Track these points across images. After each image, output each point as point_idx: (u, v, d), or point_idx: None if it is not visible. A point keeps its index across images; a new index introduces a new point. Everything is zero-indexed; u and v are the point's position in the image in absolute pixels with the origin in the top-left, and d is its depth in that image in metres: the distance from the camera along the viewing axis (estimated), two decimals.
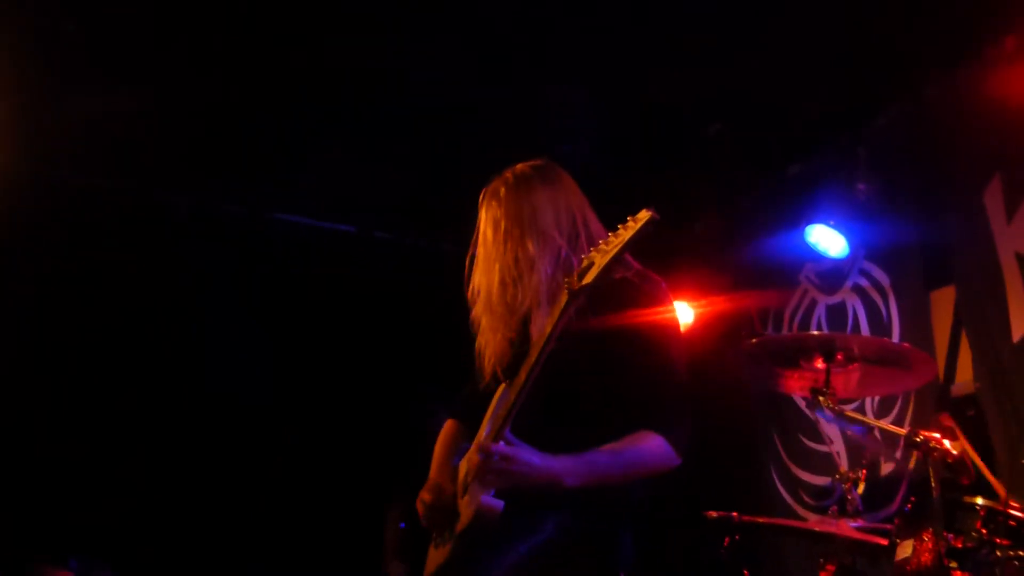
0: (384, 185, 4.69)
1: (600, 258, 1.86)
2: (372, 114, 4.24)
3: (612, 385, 2.01)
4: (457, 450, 2.27)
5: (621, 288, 2.03)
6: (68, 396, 4.44)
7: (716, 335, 4.57)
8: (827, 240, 4.15)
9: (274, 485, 4.67)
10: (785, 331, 4.56)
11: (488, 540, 1.93)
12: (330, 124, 4.29)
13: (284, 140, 4.38)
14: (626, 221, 1.86)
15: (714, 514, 2.88)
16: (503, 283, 2.13)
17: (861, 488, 2.79)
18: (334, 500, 4.63)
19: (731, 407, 4.54)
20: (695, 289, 4.77)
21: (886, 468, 3.89)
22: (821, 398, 2.64)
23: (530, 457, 1.89)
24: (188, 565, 4.40)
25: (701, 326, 4.71)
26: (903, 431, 2.31)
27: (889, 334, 4.02)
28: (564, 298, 1.91)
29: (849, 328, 4.24)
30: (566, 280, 1.92)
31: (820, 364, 2.75)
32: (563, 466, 1.91)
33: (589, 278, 1.85)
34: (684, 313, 4.73)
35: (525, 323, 2.15)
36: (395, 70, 3.96)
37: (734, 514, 2.85)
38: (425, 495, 2.16)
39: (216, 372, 4.59)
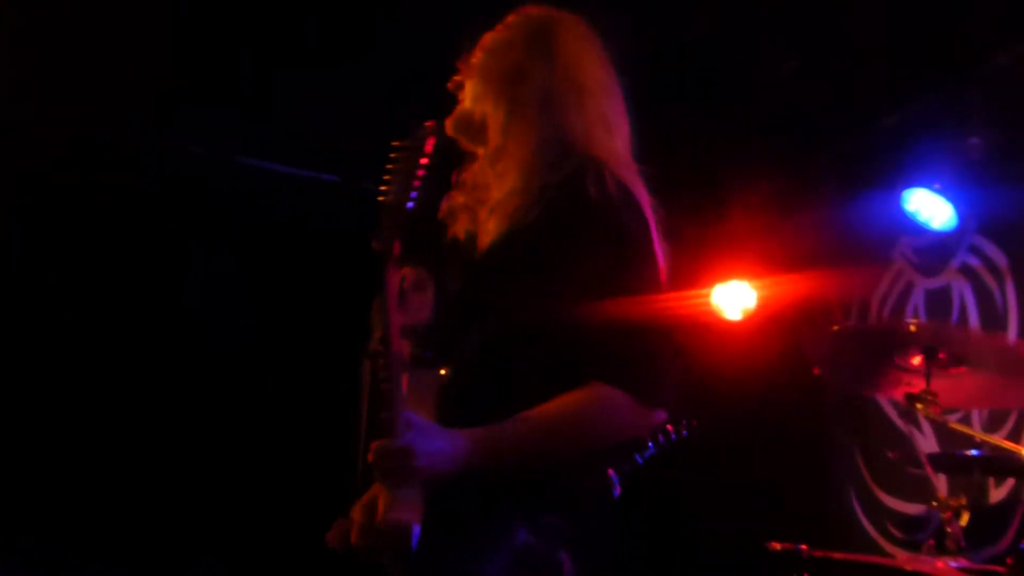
0: (372, 130, 4.71)
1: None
2: (363, 45, 4.23)
3: (552, 333, 1.87)
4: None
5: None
6: (29, 350, 4.68)
7: (784, 325, 4.52)
8: (929, 208, 4.12)
9: (251, 436, 4.93)
10: (873, 321, 4.54)
11: (419, 568, 1.80)
12: (310, 56, 4.30)
13: (255, 73, 4.40)
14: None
15: (778, 546, 2.85)
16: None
17: (965, 519, 2.76)
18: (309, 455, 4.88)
19: (802, 415, 4.52)
20: (758, 266, 4.73)
21: (995, 496, 3.88)
22: (919, 405, 2.60)
23: (431, 443, 1.77)
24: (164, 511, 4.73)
25: (765, 312, 4.68)
26: (1021, 449, 2.26)
27: (1004, 327, 3.99)
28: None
29: (955, 319, 4.22)
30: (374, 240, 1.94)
31: (918, 362, 2.70)
32: (472, 440, 1.79)
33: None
34: (744, 295, 4.69)
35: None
36: None
37: (803, 547, 2.83)
38: (355, 514, 1.95)
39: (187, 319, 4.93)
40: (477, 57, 2.17)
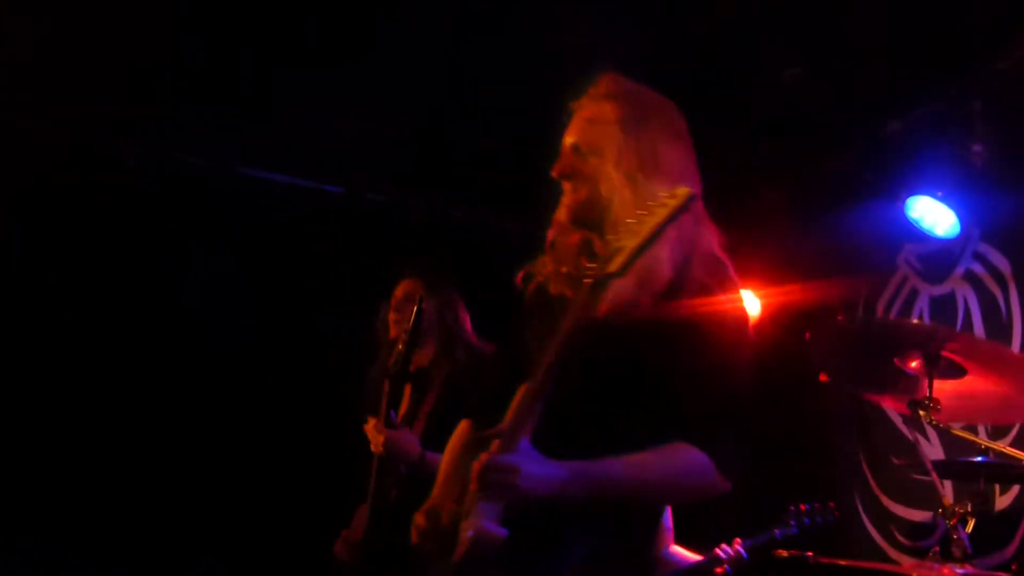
0: (379, 140, 4.73)
1: (630, 241, 1.89)
2: (366, 53, 4.25)
3: (651, 389, 2.02)
4: (470, 458, 2.26)
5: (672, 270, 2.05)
6: (29, 350, 4.70)
7: (788, 332, 4.53)
8: (933, 215, 4.13)
9: (251, 436, 4.96)
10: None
11: (488, 571, 1.95)
12: (315, 65, 4.31)
13: (259, 81, 4.41)
14: (658, 198, 1.90)
15: (784, 553, 2.87)
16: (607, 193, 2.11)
17: (970, 526, 2.77)
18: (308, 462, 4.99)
19: (807, 421, 4.53)
20: (763, 274, 4.73)
21: (1001, 503, 3.88)
22: (922, 412, 2.61)
23: (535, 467, 1.91)
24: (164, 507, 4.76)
25: (769, 320, 4.69)
26: None
27: (1008, 334, 4.00)
28: (585, 289, 1.94)
29: (959, 325, 4.23)
30: (587, 267, 1.96)
31: (917, 365, 2.71)
32: (568, 473, 1.93)
33: (615, 265, 1.90)
34: (749, 303, 4.70)
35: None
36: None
37: (809, 554, 2.84)
38: (419, 518, 2.17)
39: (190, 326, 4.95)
40: (582, 137, 2.19)
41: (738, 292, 2.15)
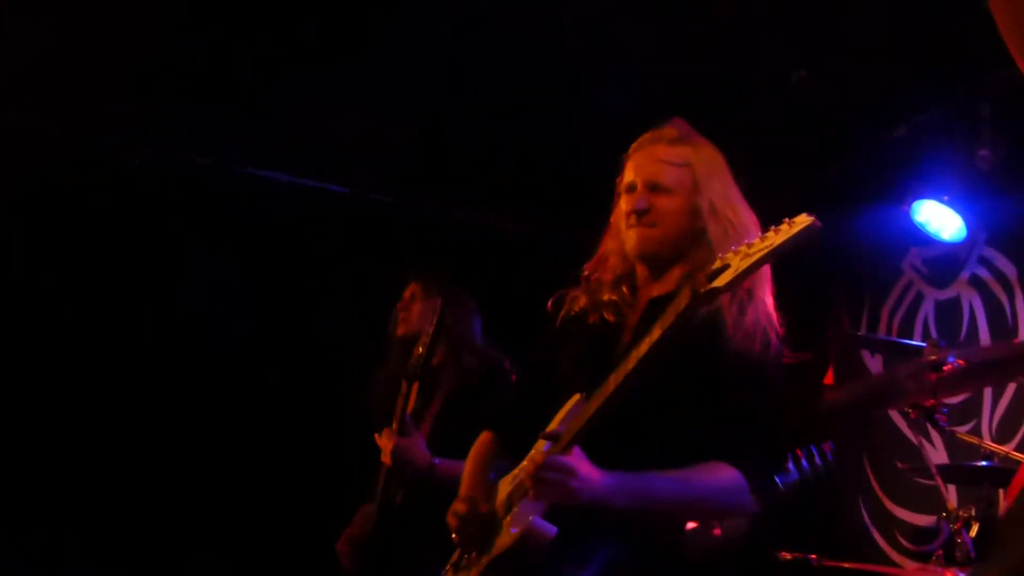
0: (381, 140, 4.73)
1: (738, 261, 1.90)
2: (371, 53, 4.25)
3: (703, 410, 2.11)
4: (493, 467, 2.39)
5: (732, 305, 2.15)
6: (30, 350, 4.72)
7: (793, 335, 4.53)
8: (939, 220, 4.13)
9: (251, 436, 4.98)
10: (883, 332, 4.53)
11: (527, 569, 2.04)
12: (319, 64, 4.31)
13: (264, 81, 4.41)
14: (780, 223, 1.90)
15: (788, 556, 2.87)
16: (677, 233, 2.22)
17: (974, 530, 2.77)
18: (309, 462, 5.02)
19: (810, 424, 4.52)
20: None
21: (1005, 507, 3.87)
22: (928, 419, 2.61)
23: (590, 471, 2.00)
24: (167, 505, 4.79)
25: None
26: None
27: (1014, 338, 3.98)
28: (686, 299, 1.94)
29: (964, 330, 4.22)
30: (690, 279, 1.98)
31: (929, 376, 2.71)
32: (616, 482, 2.02)
33: (721, 281, 1.90)
34: None
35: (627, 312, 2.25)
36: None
37: (812, 556, 2.85)
38: (459, 506, 2.27)
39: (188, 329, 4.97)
40: (661, 177, 2.27)
41: (783, 338, 2.24)
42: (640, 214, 2.25)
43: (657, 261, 2.25)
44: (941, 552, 2.75)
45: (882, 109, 4.43)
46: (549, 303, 2.43)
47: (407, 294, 3.82)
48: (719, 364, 2.11)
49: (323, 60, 4.24)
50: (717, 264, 1.93)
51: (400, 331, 3.71)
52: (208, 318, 4.91)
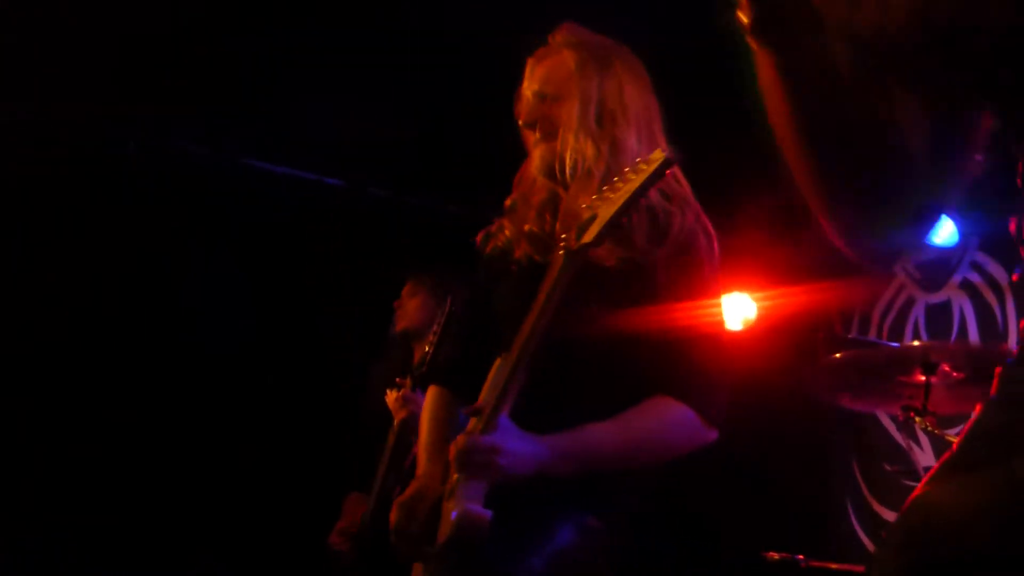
0: (382, 134, 4.72)
1: (605, 209, 1.86)
2: (371, 45, 4.24)
3: (628, 348, 1.99)
4: (454, 427, 2.20)
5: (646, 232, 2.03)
6: (30, 350, 4.71)
7: (785, 336, 4.55)
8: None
9: (251, 436, 4.97)
10: (873, 335, 4.54)
11: (476, 557, 1.91)
12: (319, 54, 4.30)
13: (260, 71, 4.40)
14: (635, 163, 1.87)
15: (775, 556, 2.88)
16: (574, 153, 2.07)
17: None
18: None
19: (800, 426, 4.54)
20: (760, 277, 4.75)
21: None
22: (918, 419, 2.63)
23: (517, 444, 1.90)
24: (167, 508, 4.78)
25: (765, 324, 4.70)
26: None
27: (1004, 343, 4.00)
28: (560, 259, 1.90)
29: (954, 334, 4.24)
30: (562, 237, 1.93)
31: (919, 378, 2.73)
32: (549, 447, 1.92)
33: (590, 236, 1.87)
34: (745, 306, 4.72)
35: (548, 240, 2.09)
36: None
37: (799, 557, 2.86)
38: (403, 500, 2.10)
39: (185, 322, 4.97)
40: (545, 85, 2.15)
41: (713, 238, 2.12)
42: (530, 127, 2.13)
43: (562, 178, 2.09)
44: None
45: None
46: (477, 237, 2.28)
47: (404, 292, 3.82)
48: (643, 289, 2.00)
49: (324, 54, 4.23)
50: (587, 214, 1.88)
51: (398, 327, 3.72)
52: (208, 317, 4.91)
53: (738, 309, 4.74)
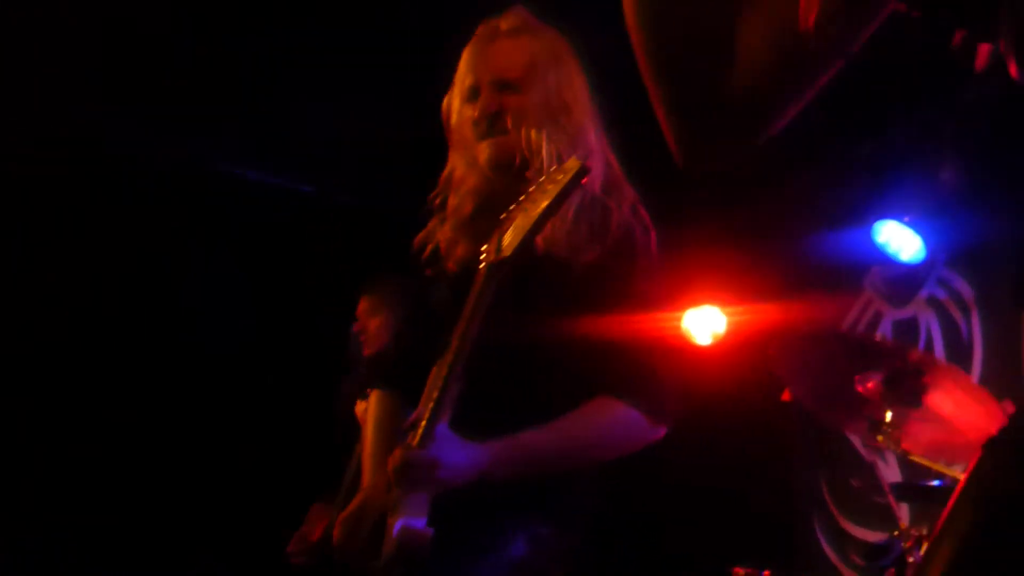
0: (351, 140, 4.71)
1: (523, 220, 1.84)
2: (344, 49, 4.23)
3: (568, 351, 1.98)
4: (398, 433, 2.13)
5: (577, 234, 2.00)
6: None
7: (753, 350, 4.55)
8: (899, 240, 4.16)
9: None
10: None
11: (421, 573, 1.87)
12: (287, 59, 4.28)
13: (229, 76, 4.38)
14: (550, 172, 1.85)
15: (741, 571, 2.87)
16: (511, 155, 2.01)
17: (924, 549, 2.79)
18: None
19: (768, 441, 4.54)
20: (730, 290, 4.75)
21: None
22: (880, 437, 2.63)
23: (455, 454, 1.87)
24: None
25: (735, 338, 4.71)
26: None
27: (969, 358, 4.02)
28: (481, 272, 1.88)
29: (920, 349, 4.25)
30: (483, 249, 1.90)
31: (875, 385, 2.72)
32: (489, 455, 1.89)
33: (509, 249, 1.85)
34: (715, 320, 4.72)
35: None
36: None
37: (765, 573, 2.85)
38: (346, 516, 2.04)
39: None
40: (506, 73, 2.07)
41: (651, 230, 2.09)
42: (492, 119, 2.04)
43: (516, 170, 2.02)
44: (893, 570, 2.77)
45: (847, 128, 4.46)
46: (415, 240, 2.20)
47: (361, 309, 3.75)
48: (581, 290, 1.97)
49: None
50: (507, 224, 1.86)
51: (367, 352, 3.64)
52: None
53: (708, 322, 4.75)
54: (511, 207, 1.89)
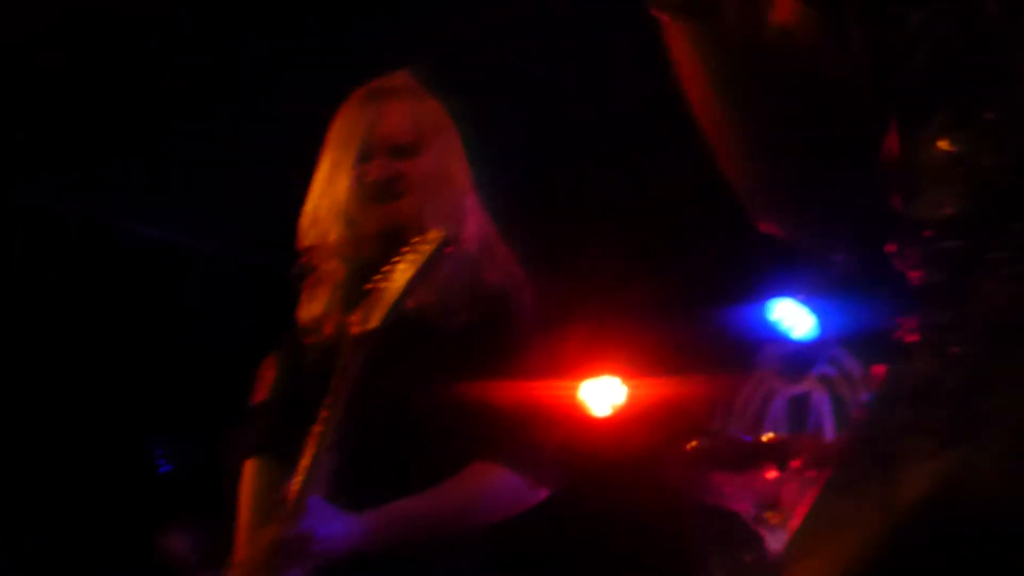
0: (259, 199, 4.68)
1: (389, 290, 1.85)
2: (256, 107, 4.21)
3: (444, 416, 1.97)
4: (271, 505, 2.07)
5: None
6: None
7: (650, 424, 4.59)
8: (793, 318, 4.26)
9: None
10: (735, 425, 4.62)
11: None
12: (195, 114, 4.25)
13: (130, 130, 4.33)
14: (414, 244, 1.86)
15: None
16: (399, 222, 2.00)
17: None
18: None
19: (662, 514, 4.56)
20: (629, 364, 4.80)
21: None
22: (768, 514, 2.66)
23: (328, 527, 1.84)
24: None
25: (633, 410, 4.74)
26: None
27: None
28: (349, 344, 1.87)
29: (812, 426, 4.33)
30: (350, 320, 1.89)
31: (772, 474, 2.77)
32: (367, 525, 1.88)
33: (376, 320, 1.84)
34: (614, 391, 4.76)
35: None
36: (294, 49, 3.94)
37: None
38: None
39: None
40: (404, 136, 2.05)
41: (527, 287, 2.09)
42: (385, 184, 2.02)
43: (400, 238, 1.98)
44: None
45: (742, 206, 4.56)
46: (294, 307, 2.17)
47: (263, 366, 3.70)
48: (455, 355, 1.97)
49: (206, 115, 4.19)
50: (375, 295, 1.86)
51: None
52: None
53: (606, 393, 4.78)
54: (378, 276, 1.89)
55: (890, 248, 0.92)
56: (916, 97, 0.91)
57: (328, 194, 2.06)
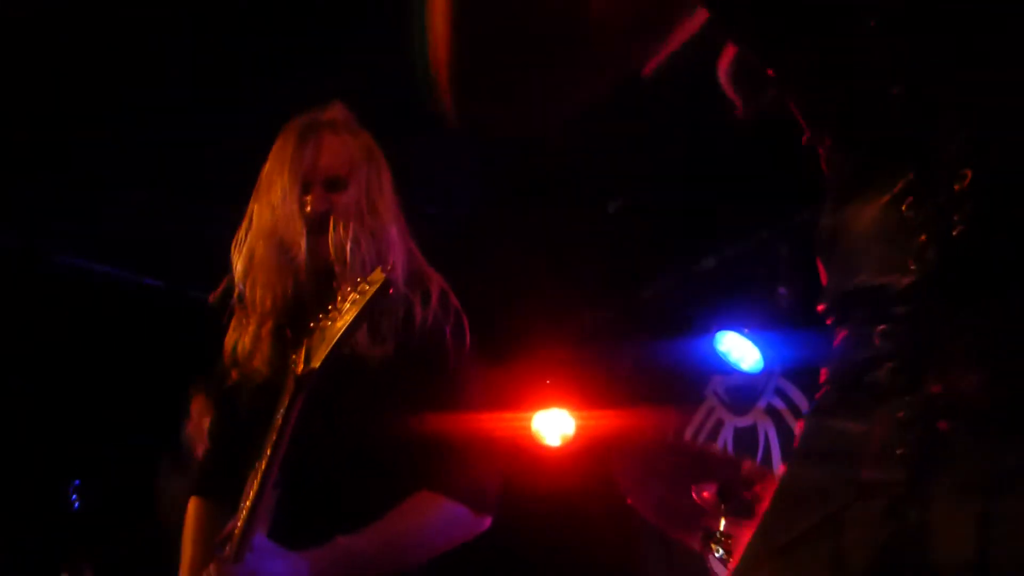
0: (203, 232, 4.64)
1: (331, 331, 1.83)
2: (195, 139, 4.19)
3: (385, 450, 1.97)
4: (214, 545, 2.00)
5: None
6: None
7: (601, 453, 4.62)
8: (739, 350, 4.32)
9: None
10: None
11: None
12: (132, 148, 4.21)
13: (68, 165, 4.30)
14: (357, 283, 1.84)
15: None
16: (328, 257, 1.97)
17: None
18: None
19: (614, 545, 4.58)
20: (578, 395, 4.84)
21: None
22: (714, 545, 2.69)
23: (271, 566, 1.83)
24: None
25: (583, 441, 4.78)
26: None
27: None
28: (289, 384, 1.85)
29: (759, 457, 4.39)
30: (292, 358, 1.87)
31: (711, 495, 2.80)
32: (313, 562, 1.86)
33: (318, 361, 1.83)
34: (563, 422, 4.79)
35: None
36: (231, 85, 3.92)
37: None
38: None
39: None
40: (336, 171, 2.04)
41: (461, 316, 2.09)
42: (322, 217, 1.99)
43: (326, 273, 1.98)
44: None
45: (693, 242, 4.65)
46: (224, 340, 2.13)
47: (193, 407, 3.62)
48: (394, 388, 1.96)
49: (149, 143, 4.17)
50: (317, 333, 1.85)
51: (199, 453, 3.52)
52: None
53: (556, 424, 4.81)
54: (320, 315, 1.88)
55: (820, 308, 0.89)
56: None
57: (262, 225, 2.04)
